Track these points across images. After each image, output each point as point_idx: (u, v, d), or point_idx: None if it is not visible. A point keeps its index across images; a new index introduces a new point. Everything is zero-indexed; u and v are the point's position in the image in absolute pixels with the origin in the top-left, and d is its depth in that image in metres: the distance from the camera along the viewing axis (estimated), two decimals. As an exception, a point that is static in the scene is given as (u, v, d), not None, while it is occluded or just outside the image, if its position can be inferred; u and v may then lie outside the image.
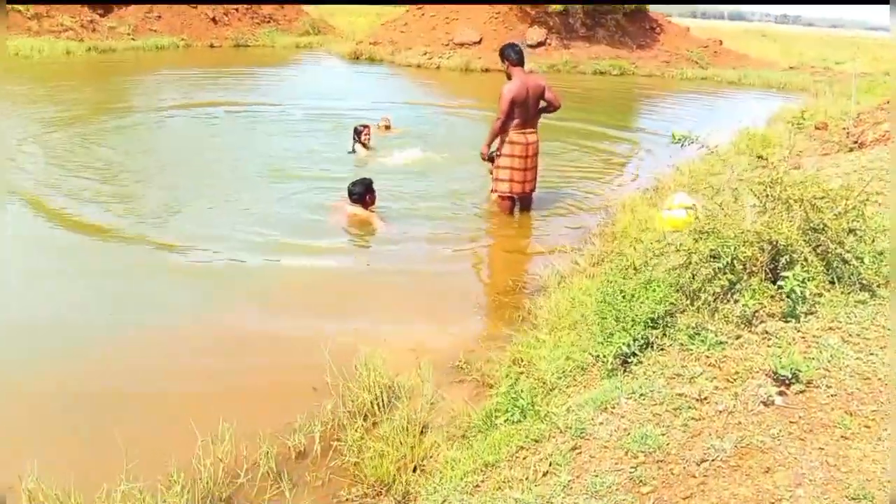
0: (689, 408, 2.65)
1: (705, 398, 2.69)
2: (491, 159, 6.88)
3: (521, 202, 7.10)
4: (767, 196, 3.50)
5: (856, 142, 7.59)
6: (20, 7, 20.29)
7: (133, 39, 22.02)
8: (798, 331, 2.96)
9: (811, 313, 3.07)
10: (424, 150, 9.29)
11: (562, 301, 4.42)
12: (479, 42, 22.58)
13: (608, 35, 24.05)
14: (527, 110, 6.70)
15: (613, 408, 2.83)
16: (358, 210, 6.56)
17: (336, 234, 6.26)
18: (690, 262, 3.32)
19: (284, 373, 3.90)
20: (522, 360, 3.72)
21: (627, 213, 6.56)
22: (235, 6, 25.95)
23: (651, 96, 18.64)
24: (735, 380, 2.75)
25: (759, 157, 7.80)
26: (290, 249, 5.78)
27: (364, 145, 9.35)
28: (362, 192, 6.56)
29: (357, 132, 9.41)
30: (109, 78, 16.20)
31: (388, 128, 10.81)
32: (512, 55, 6.68)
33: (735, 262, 3.18)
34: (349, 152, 9.25)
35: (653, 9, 26.18)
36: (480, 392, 3.68)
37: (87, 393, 3.66)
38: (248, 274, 5.34)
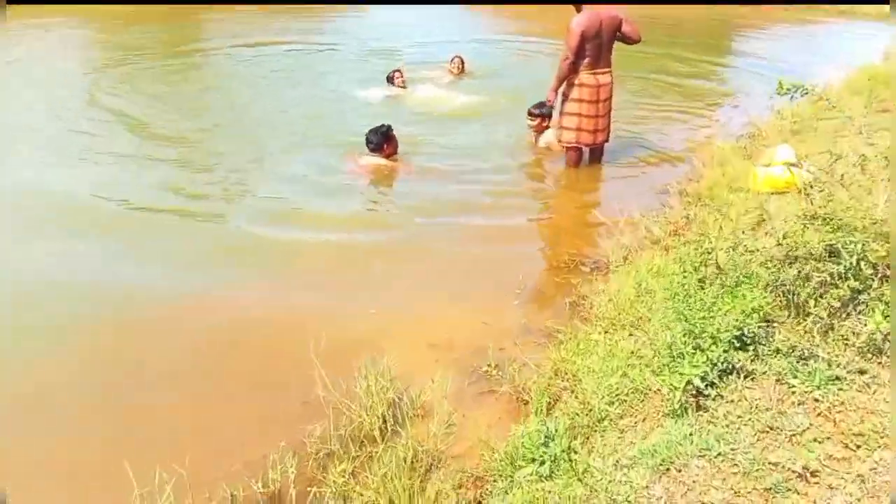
0: (789, 489, 1.82)
1: (814, 474, 1.85)
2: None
3: (590, 154, 6.17)
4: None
5: None
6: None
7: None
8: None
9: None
10: (488, 92, 8.37)
11: (625, 285, 3.57)
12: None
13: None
14: (600, 47, 5.69)
15: (679, 471, 2.03)
16: (377, 160, 5.90)
17: (351, 196, 5.56)
18: (797, 258, 2.42)
19: (272, 382, 3.21)
20: (566, 372, 2.92)
21: (716, 168, 5.54)
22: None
23: (748, 26, 16.80)
24: (859, 446, 1.89)
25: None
26: (300, 219, 5.13)
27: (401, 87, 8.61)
28: (379, 141, 5.85)
29: (389, 79, 8.60)
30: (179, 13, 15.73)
31: (461, 70, 9.58)
32: None
33: (862, 263, 2.25)
34: (386, 96, 8.53)
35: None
36: (513, 410, 2.93)
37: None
38: (251, 247, 4.70)
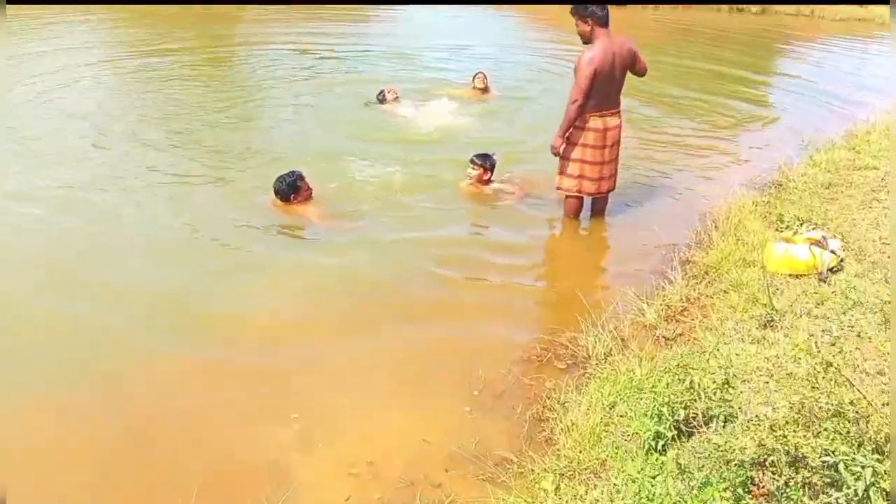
0: None
1: None
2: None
3: (593, 203, 5.55)
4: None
5: None
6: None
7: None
8: None
9: None
10: (492, 117, 7.79)
11: (595, 406, 3.00)
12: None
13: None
14: (610, 86, 5.01)
15: None
16: (294, 209, 5.40)
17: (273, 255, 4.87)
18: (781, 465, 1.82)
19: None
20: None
21: (730, 231, 4.91)
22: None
23: (794, 39, 15.88)
24: None
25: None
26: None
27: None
28: (287, 192, 5.32)
29: (380, 100, 8.15)
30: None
31: (484, 90, 8.83)
32: (598, 13, 4.88)
33: (872, 492, 1.66)
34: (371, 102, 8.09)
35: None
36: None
37: None
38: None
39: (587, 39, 4.99)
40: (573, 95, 4.92)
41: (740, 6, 19.34)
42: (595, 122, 5.08)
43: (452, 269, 4.69)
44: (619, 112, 5.21)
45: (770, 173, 6.39)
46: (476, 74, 8.86)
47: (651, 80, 6.54)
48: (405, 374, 3.56)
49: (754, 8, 19.27)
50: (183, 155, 6.54)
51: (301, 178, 5.37)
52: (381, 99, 8.08)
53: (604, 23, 4.92)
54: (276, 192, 5.31)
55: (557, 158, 5.29)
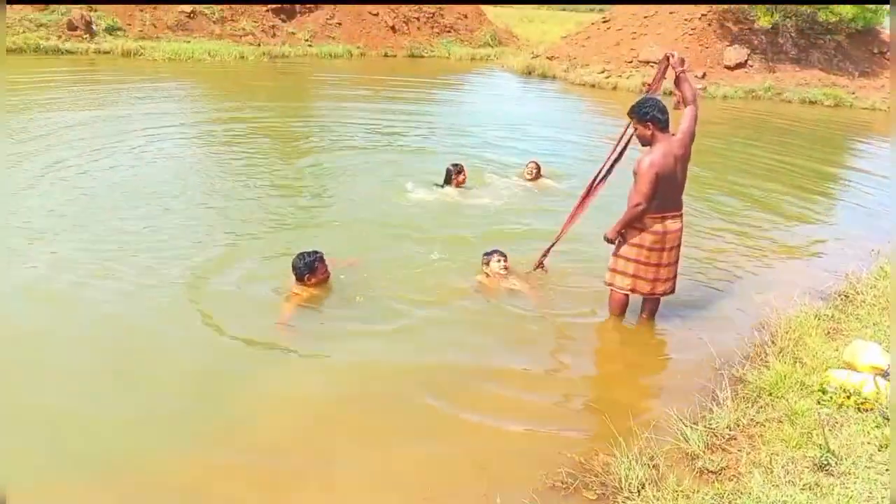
0: None
1: None
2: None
3: (643, 304, 5.28)
4: None
5: None
6: (206, 10, 20.96)
7: (310, 46, 22.10)
8: None
9: None
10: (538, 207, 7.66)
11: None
12: (668, 61, 20.15)
13: (825, 58, 20.55)
14: (672, 186, 4.80)
15: None
16: (302, 291, 5.24)
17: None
18: None
19: None
20: None
21: (788, 350, 4.55)
22: (417, 15, 25.45)
23: (869, 135, 15.39)
24: None
25: None
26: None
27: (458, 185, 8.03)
28: (303, 270, 5.17)
29: (449, 173, 8.03)
30: (267, 88, 16.00)
31: (537, 177, 8.72)
32: (659, 117, 4.73)
33: None
34: (436, 185, 8.01)
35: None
36: None
37: None
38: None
39: (647, 143, 4.85)
40: (635, 199, 4.74)
41: (811, 100, 18.95)
42: (655, 226, 4.86)
43: (474, 374, 4.47)
44: (680, 215, 4.98)
45: (837, 282, 6.00)
46: (528, 163, 8.82)
47: (713, 174, 6.30)
48: (418, 496, 3.31)
49: (827, 101, 18.84)
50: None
51: (321, 259, 5.27)
52: (448, 178, 8.06)
53: (664, 127, 4.77)
54: (294, 268, 5.20)
55: (610, 254, 5.10)
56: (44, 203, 6.87)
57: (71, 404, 3.91)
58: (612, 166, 5.30)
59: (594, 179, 5.36)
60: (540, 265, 5.73)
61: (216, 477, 3.41)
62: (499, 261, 5.72)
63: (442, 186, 8.03)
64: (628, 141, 5.13)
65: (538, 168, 8.72)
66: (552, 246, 5.65)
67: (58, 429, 3.68)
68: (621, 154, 5.25)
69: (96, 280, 5.33)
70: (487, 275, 5.73)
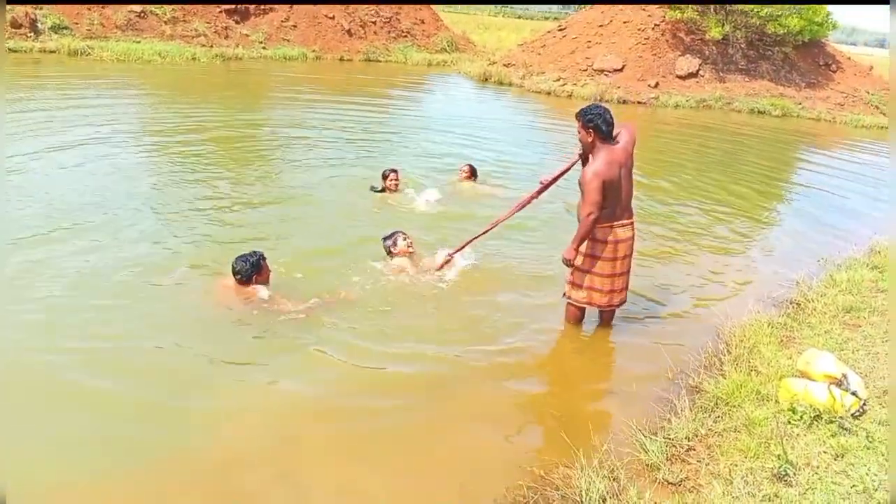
0: None
1: None
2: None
3: (601, 314, 5.27)
4: None
5: None
6: (157, 10, 20.48)
7: (264, 48, 21.76)
8: None
9: None
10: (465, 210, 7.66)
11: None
12: (622, 69, 20.45)
13: (773, 69, 21.11)
14: (618, 195, 4.79)
15: None
16: (246, 289, 5.09)
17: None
18: None
19: None
20: None
21: (743, 358, 4.58)
22: (374, 19, 25.32)
23: (815, 145, 15.83)
24: None
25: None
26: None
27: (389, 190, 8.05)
28: (249, 272, 5.03)
29: (384, 177, 8.04)
30: (216, 90, 15.68)
31: (469, 179, 8.67)
32: (603, 128, 4.68)
33: None
34: (373, 188, 8.02)
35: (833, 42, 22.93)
36: None
37: None
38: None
39: (587, 149, 4.83)
40: (585, 210, 4.70)
41: (760, 110, 19.42)
42: (605, 234, 4.86)
43: (428, 386, 4.37)
44: (631, 223, 4.97)
45: (787, 290, 6.10)
46: (462, 166, 8.82)
47: (665, 184, 6.33)
48: None
49: (775, 111, 19.34)
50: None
51: (263, 258, 5.14)
52: (384, 177, 8.02)
53: (606, 137, 4.73)
54: (237, 273, 5.00)
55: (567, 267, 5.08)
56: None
57: (7, 422, 3.70)
58: (559, 175, 5.31)
59: (541, 188, 5.37)
60: (447, 262, 5.83)
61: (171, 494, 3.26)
62: (405, 239, 5.85)
63: (380, 190, 7.99)
64: (581, 156, 5.09)
65: (472, 170, 8.71)
66: (464, 245, 5.81)
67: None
68: (573, 165, 5.25)
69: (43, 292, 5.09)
70: (394, 254, 5.83)
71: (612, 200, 4.76)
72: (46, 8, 18.90)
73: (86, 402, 3.91)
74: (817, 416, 3.66)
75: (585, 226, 4.74)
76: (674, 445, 3.66)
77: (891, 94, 20.56)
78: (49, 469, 3.36)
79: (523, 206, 5.46)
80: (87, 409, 3.86)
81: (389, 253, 5.86)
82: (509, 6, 60.48)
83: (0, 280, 5.11)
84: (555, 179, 5.33)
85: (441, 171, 9.34)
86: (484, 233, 5.74)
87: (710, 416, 3.93)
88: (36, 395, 3.95)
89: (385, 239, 5.91)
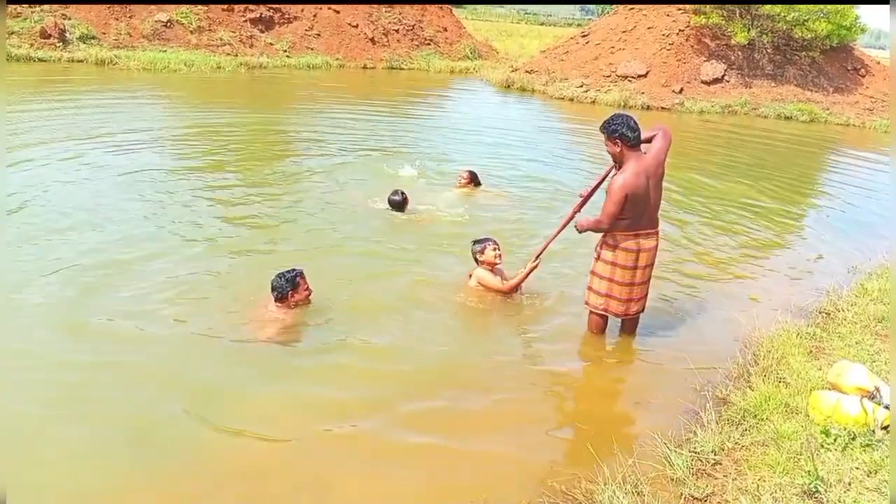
0: None
1: None
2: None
3: (621, 325, 5.20)
4: None
5: None
6: (183, 20, 20.73)
7: (288, 57, 21.93)
8: None
9: None
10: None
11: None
12: (646, 75, 20.30)
13: (800, 74, 20.80)
14: (645, 205, 4.70)
15: None
16: (279, 314, 4.97)
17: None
18: None
19: None
20: None
21: (771, 370, 4.48)
22: (396, 27, 25.41)
23: (843, 151, 15.56)
24: None
25: None
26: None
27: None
28: (283, 288, 4.94)
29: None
30: (239, 100, 15.81)
31: (468, 185, 8.54)
32: (628, 135, 4.61)
33: None
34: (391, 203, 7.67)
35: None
36: None
37: None
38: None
39: (617, 160, 4.76)
40: (602, 217, 4.69)
41: (787, 115, 19.17)
42: (628, 243, 4.78)
43: (453, 399, 4.30)
44: (655, 233, 4.89)
45: (816, 299, 5.96)
46: (462, 172, 8.71)
47: (690, 191, 6.24)
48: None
49: (802, 117, 19.07)
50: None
51: (302, 275, 5.06)
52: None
53: (636, 144, 4.67)
54: (273, 289, 4.96)
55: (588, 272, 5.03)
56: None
57: (23, 433, 3.72)
58: (596, 186, 5.22)
59: (581, 202, 5.27)
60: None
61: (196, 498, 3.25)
62: (494, 249, 5.65)
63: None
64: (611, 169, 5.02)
65: (471, 176, 8.60)
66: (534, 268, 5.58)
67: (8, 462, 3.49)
68: (608, 174, 5.15)
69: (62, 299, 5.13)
70: (480, 263, 5.66)
71: (638, 211, 4.69)
72: (75, 18, 19.21)
73: (112, 410, 3.92)
74: (852, 438, 3.54)
75: (596, 228, 4.81)
76: (700, 459, 3.57)
77: (891, 94, 20.19)
78: (72, 476, 3.37)
79: (569, 221, 5.32)
80: (112, 416, 3.87)
81: (476, 259, 5.71)
82: (531, 12, 60.30)
83: (36, 288, 5.17)
84: (593, 191, 5.22)
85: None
86: (541, 251, 5.53)
87: (737, 429, 3.83)
88: (63, 401, 3.97)
89: (475, 243, 5.76)
